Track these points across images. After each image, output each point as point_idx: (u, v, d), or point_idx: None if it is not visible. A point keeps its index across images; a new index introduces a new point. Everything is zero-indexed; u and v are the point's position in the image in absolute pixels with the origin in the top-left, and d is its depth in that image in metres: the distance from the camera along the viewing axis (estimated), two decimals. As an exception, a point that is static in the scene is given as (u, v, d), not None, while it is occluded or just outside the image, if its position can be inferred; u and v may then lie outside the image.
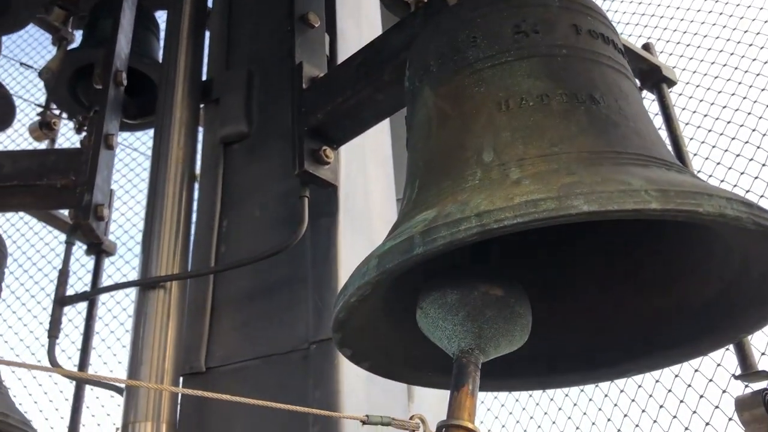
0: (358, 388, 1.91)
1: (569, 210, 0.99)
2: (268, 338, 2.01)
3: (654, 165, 1.16)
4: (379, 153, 2.54)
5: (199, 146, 2.41)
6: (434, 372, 1.42)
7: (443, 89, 1.40)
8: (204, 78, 2.51)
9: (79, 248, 3.34)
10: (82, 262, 2.66)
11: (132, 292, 2.39)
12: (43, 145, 3.00)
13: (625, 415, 2.72)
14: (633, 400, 2.70)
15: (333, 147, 2.04)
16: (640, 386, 2.67)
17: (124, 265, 3.12)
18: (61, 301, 2.03)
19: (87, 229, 2.12)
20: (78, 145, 2.87)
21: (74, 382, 2.31)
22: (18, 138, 3.32)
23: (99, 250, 2.57)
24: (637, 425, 2.64)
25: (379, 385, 2.02)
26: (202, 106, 2.45)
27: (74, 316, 2.58)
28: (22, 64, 2.84)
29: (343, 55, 2.37)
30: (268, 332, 2.02)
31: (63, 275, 2.09)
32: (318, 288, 2.00)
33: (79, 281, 3.01)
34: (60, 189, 2.13)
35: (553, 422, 2.87)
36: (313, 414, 1.81)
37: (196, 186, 2.33)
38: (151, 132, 3.13)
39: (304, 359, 1.92)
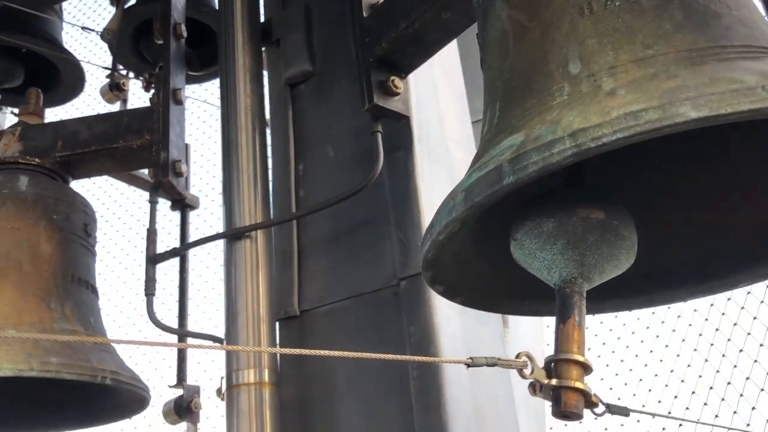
0: (453, 319, 1.89)
1: (675, 119, 0.89)
2: (356, 278, 2.00)
3: (767, 56, 1.03)
4: (449, 75, 2.43)
5: (266, 91, 2.36)
6: (531, 299, 1.37)
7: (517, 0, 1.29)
8: (261, 20, 2.44)
9: (164, 204, 3.42)
10: (169, 217, 2.70)
11: (219, 244, 2.43)
12: (116, 107, 3.03)
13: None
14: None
15: (401, 76, 1.95)
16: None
17: (211, 215, 3.17)
18: (153, 259, 2.08)
19: (168, 186, 2.14)
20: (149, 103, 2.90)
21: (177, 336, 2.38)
22: (92, 102, 3.38)
23: (183, 204, 2.59)
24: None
25: (472, 315, 1.99)
26: (263, 49, 2.39)
27: (169, 269, 2.65)
28: (84, 28, 2.84)
29: (400, -23, 2.24)
30: (356, 272, 2.00)
31: (151, 234, 2.13)
32: (400, 224, 1.96)
33: (169, 236, 3.09)
34: (137, 149, 2.15)
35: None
36: (411, 349, 1.81)
37: (268, 132, 2.31)
38: (218, 82, 3.12)
39: (395, 296, 1.91)
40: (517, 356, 0.98)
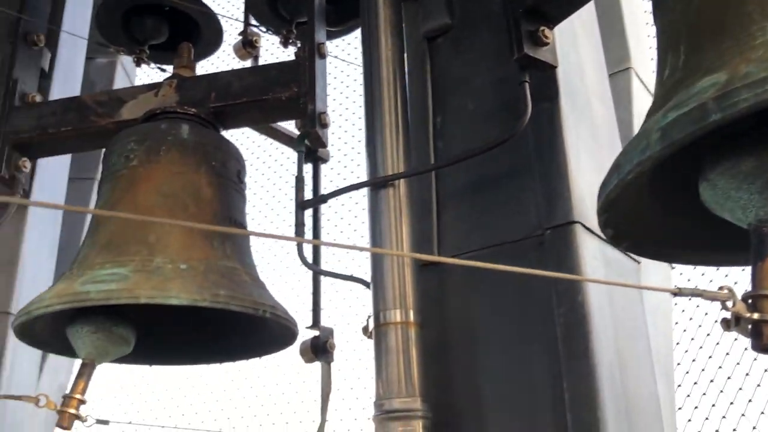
0: (599, 270, 1.91)
1: None
2: (498, 227, 2.04)
3: None
4: (587, 26, 2.41)
5: (403, 45, 2.40)
6: (707, 249, 1.38)
7: (703, -59, 1.28)
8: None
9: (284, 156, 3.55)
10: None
11: (353, 194, 2.52)
12: (248, 63, 3.16)
13: None
14: None
15: (550, 26, 1.96)
16: None
17: (343, 169, 3.29)
18: (302, 205, 2.19)
19: (314, 137, 2.23)
20: (281, 58, 3.00)
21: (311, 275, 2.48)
22: (225, 57, 3.53)
23: (315, 157, 2.70)
24: None
25: (613, 266, 2.01)
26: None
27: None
28: None
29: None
30: (498, 221, 2.05)
31: (300, 182, 2.24)
32: (545, 175, 1.98)
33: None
34: (284, 101, 2.25)
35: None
36: (557, 295, 1.84)
37: (406, 85, 2.36)
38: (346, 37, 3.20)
39: (540, 245, 1.94)
40: (720, 288, 1.00)
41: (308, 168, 2.66)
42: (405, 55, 2.38)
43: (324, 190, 2.69)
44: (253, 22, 3.00)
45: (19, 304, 2.46)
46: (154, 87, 2.34)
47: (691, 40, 1.23)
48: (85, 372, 1.88)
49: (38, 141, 2.42)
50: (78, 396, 1.84)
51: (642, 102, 3.09)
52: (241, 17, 3.10)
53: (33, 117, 2.42)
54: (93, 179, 3.62)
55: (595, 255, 1.92)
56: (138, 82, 4.29)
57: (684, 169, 1.26)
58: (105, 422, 1.99)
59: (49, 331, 2.01)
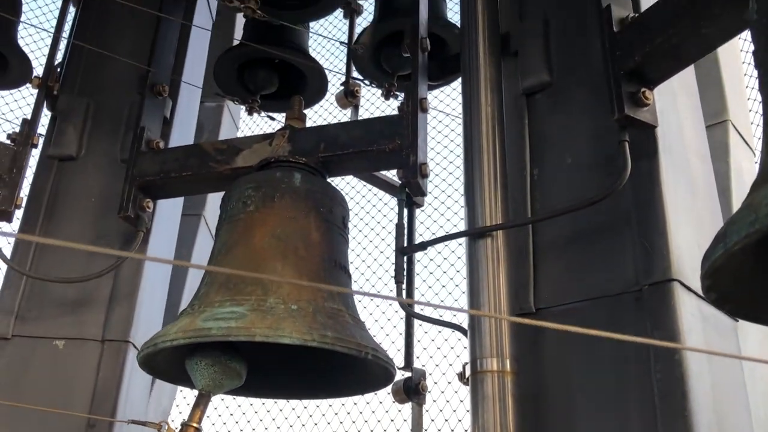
0: (696, 328, 1.93)
1: None
2: (594, 280, 2.08)
3: None
4: (685, 82, 2.44)
5: (502, 99, 2.50)
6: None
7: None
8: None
9: (382, 202, 3.69)
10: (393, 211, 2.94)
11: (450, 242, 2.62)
12: (347, 112, 3.34)
13: None
14: None
15: (650, 87, 2.02)
16: None
17: (438, 215, 3.41)
18: (402, 251, 2.30)
19: (415, 186, 2.34)
20: (379, 108, 3.17)
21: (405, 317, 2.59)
22: (327, 105, 3.73)
23: (410, 202, 2.82)
24: None
25: (711, 323, 2.02)
26: (500, 60, 2.53)
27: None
28: (340, 42, 3.15)
29: (645, -10, 2.30)
30: (594, 274, 2.09)
31: (400, 228, 2.35)
32: (644, 231, 2.02)
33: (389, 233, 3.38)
34: (388, 152, 2.38)
35: None
36: (654, 352, 1.87)
37: (503, 138, 2.45)
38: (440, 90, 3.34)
39: (637, 301, 1.97)
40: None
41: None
42: (503, 108, 2.48)
43: (420, 236, 2.80)
44: (356, 74, 3.18)
45: (138, 334, 2.67)
46: (268, 137, 2.52)
47: (799, 115, 1.28)
48: (202, 402, 2.04)
49: (161, 184, 2.64)
50: (195, 425, 2.00)
51: (739, 154, 3.08)
52: (344, 69, 3.29)
53: (157, 162, 2.65)
54: (200, 215, 3.88)
55: (693, 312, 1.93)
56: (242, 125, 4.58)
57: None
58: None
59: (168, 362, 2.18)
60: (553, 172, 2.33)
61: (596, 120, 2.24)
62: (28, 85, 3.06)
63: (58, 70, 3.01)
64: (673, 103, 2.28)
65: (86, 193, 2.87)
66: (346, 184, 3.65)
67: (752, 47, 1.58)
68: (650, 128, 2.04)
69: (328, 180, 2.52)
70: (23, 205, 2.72)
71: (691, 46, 1.89)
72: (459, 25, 2.70)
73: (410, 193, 2.47)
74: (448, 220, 3.53)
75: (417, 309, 2.56)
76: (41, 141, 2.87)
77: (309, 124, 2.65)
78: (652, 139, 2.09)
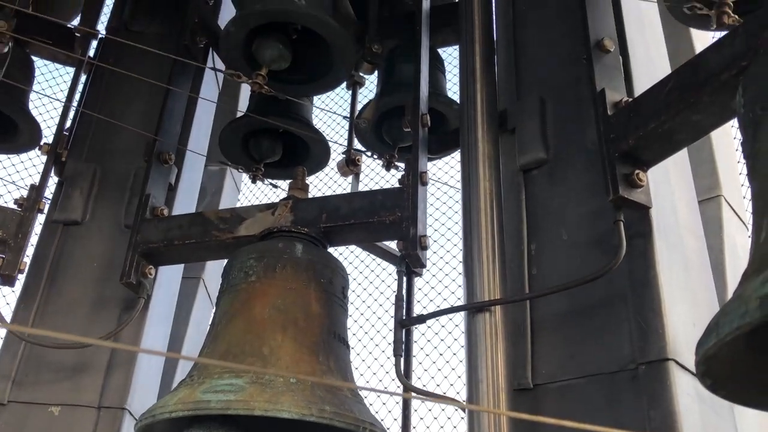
0: (692, 408, 1.94)
1: None
2: (591, 357, 2.10)
3: None
4: (678, 160, 2.51)
5: (499, 174, 2.57)
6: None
7: (795, 118, 1.40)
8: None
9: (383, 269, 3.72)
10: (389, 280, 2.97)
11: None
12: (348, 179, 3.41)
13: None
14: None
15: (644, 169, 2.09)
16: None
17: (438, 283, 3.44)
18: (401, 323, 2.33)
19: (415, 258, 2.39)
20: (379, 174, 3.23)
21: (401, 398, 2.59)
22: (330, 171, 3.81)
23: (410, 272, 2.86)
24: None
25: (707, 404, 2.03)
26: (498, 136, 2.61)
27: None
28: (344, 117, 3.24)
29: (637, 74, 2.40)
30: (591, 352, 2.11)
31: (399, 300, 2.38)
32: (640, 309, 2.05)
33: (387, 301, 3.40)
34: (389, 224, 2.43)
35: None
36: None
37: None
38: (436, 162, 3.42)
39: (633, 379, 1.99)
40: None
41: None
42: (501, 183, 2.54)
43: (418, 302, 2.83)
44: (357, 144, 3.26)
45: (134, 401, 2.66)
46: (271, 207, 2.58)
47: (786, 208, 1.33)
48: (199, 475, 2.02)
49: (164, 251, 2.68)
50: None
51: (733, 228, 3.13)
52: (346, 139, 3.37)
53: (161, 229, 2.69)
54: (199, 278, 3.90)
55: (689, 392, 1.95)
56: (243, 188, 4.65)
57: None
58: None
59: (165, 432, 2.17)
60: (550, 248, 2.37)
61: (592, 198, 2.30)
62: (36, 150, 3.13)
63: (66, 134, 3.09)
64: (667, 181, 2.34)
65: (89, 257, 2.91)
66: (345, 248, 3.69)
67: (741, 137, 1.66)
68: (645, 209, 2.09)
69: (330, 249, 2.56)
70: (26, 269, 2.75)
71: (683, 131, 1.96)
72: (458, 101, 2.79)
73: (411, 266, 2.51)
74: (446, 287, 3.56)
75: (414, 379, 2.57)
76: (47, 205, 2.92)
77: (309, 186, 2.71)
78: (647, 219, 2.14)
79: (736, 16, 2.23)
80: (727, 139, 3.49)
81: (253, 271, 2.30)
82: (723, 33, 2.34)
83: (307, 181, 2.74)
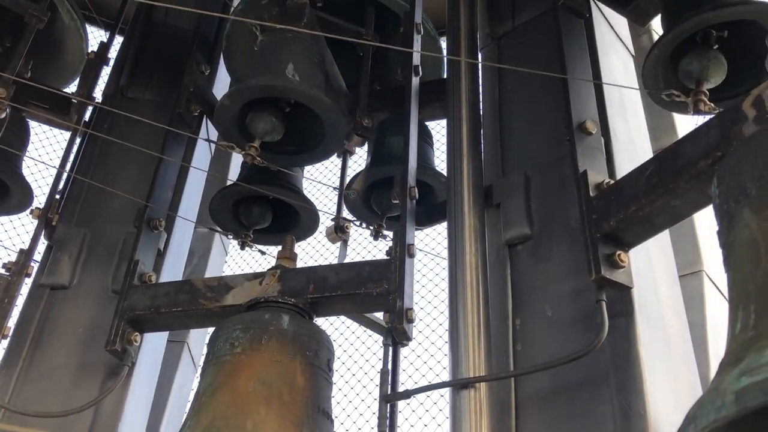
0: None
1: None
2: (576, 437, 2.11)
3: None
4: (659, 238, 2.56)
5: (485, 248, 2.61)
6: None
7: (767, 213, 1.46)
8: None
9: (369, 336, 3.73)
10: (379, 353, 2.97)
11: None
12: (336, 245, 3.44)
13: None
14: None
15: (625, 250, 2.14)
16: None
17: (423, 351, 3.44)
18: (386, 398, 2.32)
19: (401, 332, 2.40)
20: (369, 241, 3.27)
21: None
22: (320, 236, 3.84)
23: (395, 344, 2.86)
24: None
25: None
26: (484, 210, 2.66)
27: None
28: (334, 188, 3.30)
29: (619, 156, 2.47)
30: (575, 431, 2.12)
31: (385, 374, 2.38)
32: (622, 389, 2.07)
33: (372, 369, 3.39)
34: (375, 296, 2.46)
35: None
36: None
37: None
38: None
39: (617, 460, 1.99)
40: None
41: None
42: (487, 257, 2.58)
43: (403, 371, 2.82)
44: (347, 212, 3.31)
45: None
46: (258, 276, 2.59)
47: (760, 301, 1.37)
48: None
49: (150, 318, 2.68)
50: None
51: (714, 304, 3.17)
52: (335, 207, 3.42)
53: (148, 296, 2.69)
54: (184, 342, 3.87)
55: (673, 474, 1.95)
56: (231, 250, 4.66)
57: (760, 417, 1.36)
58: None
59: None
60: (535, 324, 2.40)
61: (575, 275, 2.34)
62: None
63: (57, 197, 3.12)
64: (648, 259, 2.39)
65: (74, 322, 2.90)
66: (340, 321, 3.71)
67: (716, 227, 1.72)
68: (627, 289, 2.13)
69: (316, 320, 2.58)
70: (10, 334, 2.73)
71: (663, 215, 2.02)
72: (445, 173, 2.86)
73: (397, 339, 2.52)
74: (432, 355, 3.56)
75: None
76: (35, 269, 2.93)
77: (298, 249, 2.73)
78: (629, 299, 2.18)
79: (712, 104, 2.33)
80: (709, 213, 3.55)
81: (239, 343, 2.31)
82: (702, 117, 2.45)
83: (296, 251, 2.76)
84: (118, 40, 3.81)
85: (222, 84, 3.67)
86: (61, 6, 3.23)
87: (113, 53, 3.71)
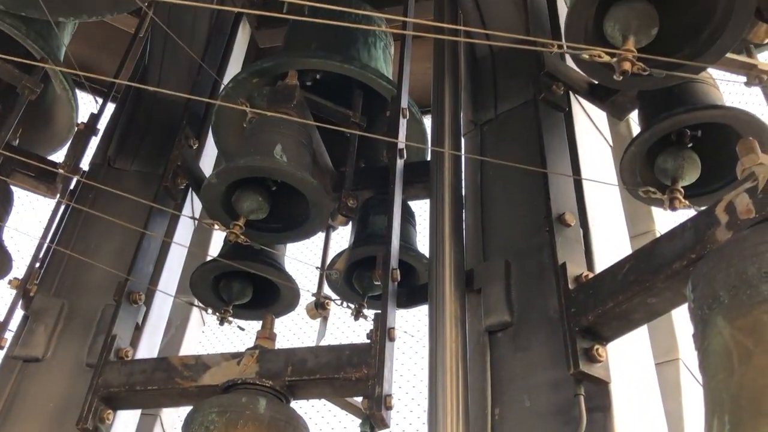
0: None
1: None
2: None
3: None
4: (637, 329, 2.59)
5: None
6: None
7: (740, 322, 1.50)
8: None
9: (345, 415, 3.68)
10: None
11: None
12: (316, 322, 3.43)
13: None
14: None
15: (603, 344, 2.16)
16: None
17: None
18: (362, 487, 2.29)
19: (379, 419, 2.38)
20: (350, 317, 3.26)
21: None
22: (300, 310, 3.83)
23: (371, 428, 2.83)
24: None
25: None
26: (464, 295, 2.69)
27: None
28: (316, 268, 3.31)
29: (597, 248, 2.52)
30: None
31: (361, 462, 2.36)
32: (601, 485, 2.06)
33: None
34: (354, 381, 2.44)
35: None
36: None
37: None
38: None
39: None
40: None
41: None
42: (467, 343, 2.59)
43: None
44: (327, 289, 3.31)
45: None
46: (237, 356, 2.57)
47: (734, 411, 1.40)
48: None
49: (125, 396, 2.63)
50: None
51: (691, 393, 3.18)
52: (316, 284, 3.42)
53: (124, 373, 2.65)
54: (156, 415, 3.79)
55: None
56: (209, 320, 4.61)
57: None
58: None
59: None
60: (513, 414, 2.39)
61: (553, 367, 2.35)
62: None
63: (37, 265, 3.10)
64: (625, 351, 2.41)
65: (46, 396, 2.84)
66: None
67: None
68: (604, 383, 2.15)
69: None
70: (-21, 407, 2.67)
71: (640, 312, 2.06)
72: (427, 255, 2.89)
73: (375, 426, 2.49)
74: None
75: None
76: (9, 340, 2.88)
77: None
78: (606, 393, 2.19)
79: (686, 202, 2.41)
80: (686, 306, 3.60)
81: (214, 426, 2.27)
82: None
83: (275, 326, 2.75)
84: (109, 107, 3.85)
85: (209, 157, 3.71)
86: (55, 77, 3.27)
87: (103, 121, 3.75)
